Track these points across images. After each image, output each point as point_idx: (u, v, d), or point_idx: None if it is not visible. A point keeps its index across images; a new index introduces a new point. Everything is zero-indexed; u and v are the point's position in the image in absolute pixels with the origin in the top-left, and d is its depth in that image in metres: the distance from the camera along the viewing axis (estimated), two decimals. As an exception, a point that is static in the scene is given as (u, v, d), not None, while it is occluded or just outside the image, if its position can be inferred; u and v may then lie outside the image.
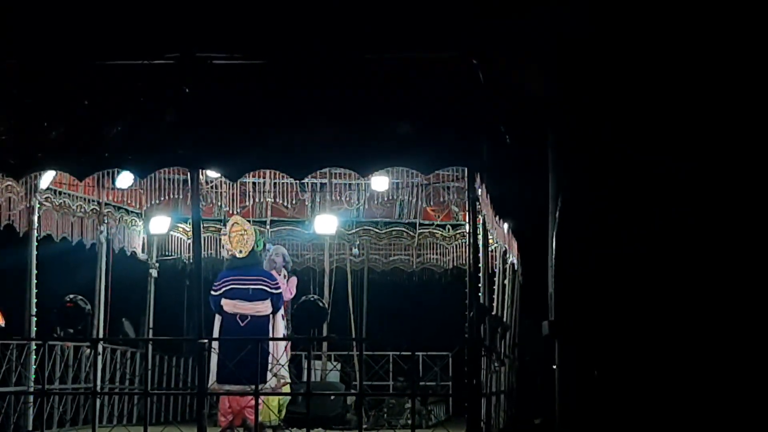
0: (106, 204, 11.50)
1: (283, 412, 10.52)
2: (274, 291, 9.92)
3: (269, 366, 9.15)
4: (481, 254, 8.63)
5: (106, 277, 11.60)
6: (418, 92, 7.72)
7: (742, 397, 5.79)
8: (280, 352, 9.83)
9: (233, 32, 7.47)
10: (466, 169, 8.19)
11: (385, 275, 13.80)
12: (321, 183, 11.91)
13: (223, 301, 9.79)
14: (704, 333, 5.86)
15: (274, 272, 10.48)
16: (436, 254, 13.34)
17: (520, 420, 9.00)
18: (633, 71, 6.15)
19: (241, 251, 10.05)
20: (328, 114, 7.76)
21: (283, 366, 9.82)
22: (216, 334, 9.73)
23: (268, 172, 11.06)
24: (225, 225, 11.26)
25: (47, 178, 10.07)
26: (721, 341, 5.84)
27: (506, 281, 10.03)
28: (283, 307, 10.32)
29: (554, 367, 6.22)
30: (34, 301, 10.10)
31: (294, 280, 11.20)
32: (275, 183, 11.64)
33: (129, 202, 11.80)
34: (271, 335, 9.81)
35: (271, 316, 9.92)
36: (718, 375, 5.81)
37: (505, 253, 9.96)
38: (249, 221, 10.67)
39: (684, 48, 6.08)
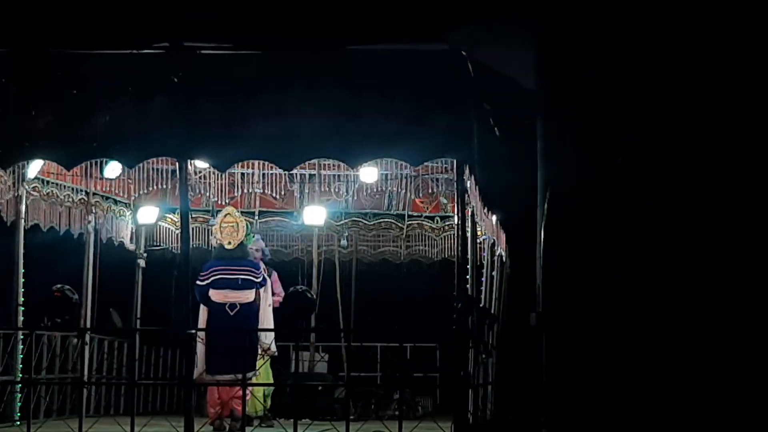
0: (94, 194, 11.46)
1: (269, 402, 10.52)
2: (258, 280, 9.92)
3: (259, 351, 9.18)
4: (469, 246, 8.64)
5: (94, 267, 11.58)
6: (408, 84, 7.72)
7: (729, 390, 5.81)
8: (268, 321, 9.87)
9: (222, 22, 7.45)
10: (455, 160, 8.19)
11: (374, 266, 13.79)
12: (310, 174, 11.90)
13: (211, 291, 9.76)
14: (694, 327, 5.87)
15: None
16: (425, 246, 13.34)
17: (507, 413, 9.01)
18: (623, 64, 6.15)
19: (230, 242, 10.03)
20: (317, 105, 7.75)
21: (272, 341, 9.88)
22: (202, 324, 9.72)
23: (256, 162, 11.03)
24: (213, 215, 11.22)
25: (35, 167, 10.02)
26: (711, 336, 5.85)
27: (494, 273, 10.03)
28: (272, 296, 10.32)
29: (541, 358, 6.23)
30: (22, 290, 10.07)
31: (275, 276, 11.09)
32: (264, 174, 11.62)
33: (117, 192, 11.75)
34: (260, 320, 9.84)
35: (259, 303, 9.91)
36: (707, 369, 5.82)
37: (493, 244, 9.96)
38: (238, 212, 10.65)
39: (675, 41, 6.09)
